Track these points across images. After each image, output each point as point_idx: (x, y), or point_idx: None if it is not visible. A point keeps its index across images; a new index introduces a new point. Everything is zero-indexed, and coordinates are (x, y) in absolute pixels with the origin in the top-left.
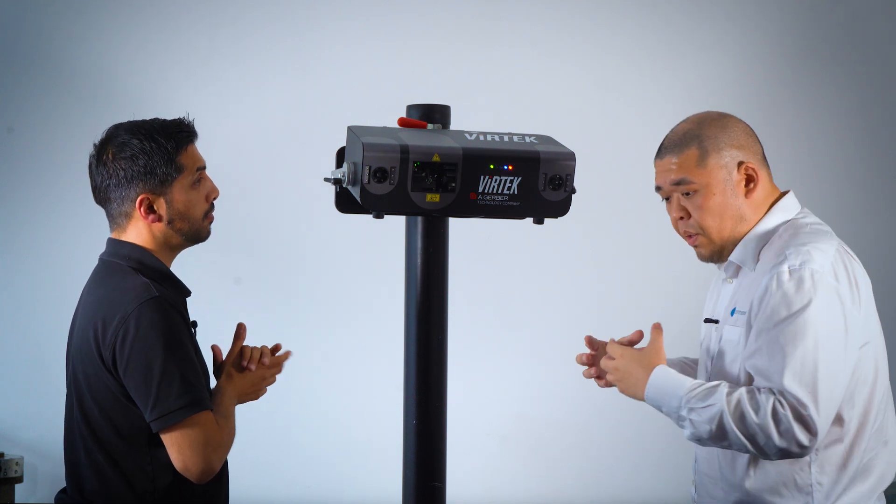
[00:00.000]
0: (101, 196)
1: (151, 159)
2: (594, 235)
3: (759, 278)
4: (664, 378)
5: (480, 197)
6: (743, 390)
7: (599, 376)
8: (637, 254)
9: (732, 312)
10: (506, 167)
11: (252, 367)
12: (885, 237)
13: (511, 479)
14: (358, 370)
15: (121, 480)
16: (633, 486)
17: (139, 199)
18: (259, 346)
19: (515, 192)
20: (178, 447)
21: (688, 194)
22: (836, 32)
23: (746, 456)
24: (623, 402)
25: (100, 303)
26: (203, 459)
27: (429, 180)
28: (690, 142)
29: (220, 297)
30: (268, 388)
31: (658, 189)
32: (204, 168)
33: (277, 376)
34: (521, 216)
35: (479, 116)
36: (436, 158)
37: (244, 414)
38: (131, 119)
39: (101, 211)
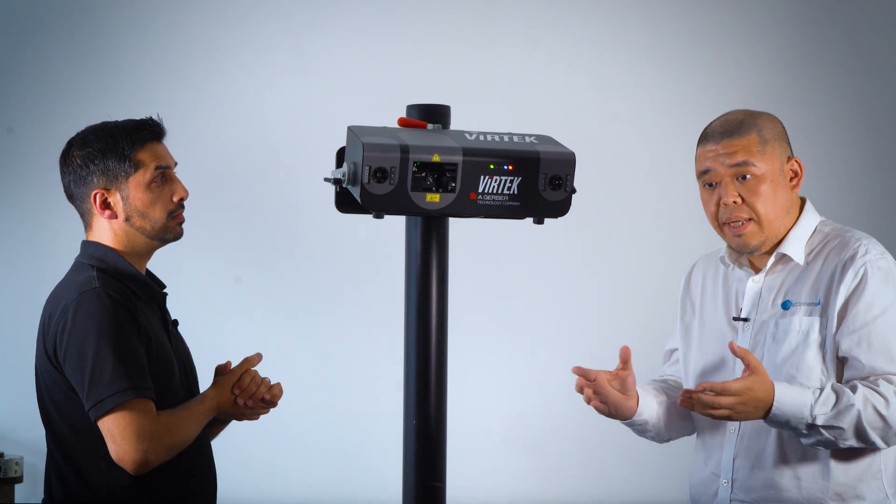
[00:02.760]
0: (68, 194)
1: (105, 155)
2: (594, 235)
3: (814, 270)
4: (786, 394)
5: (480, 197)
6: (860, 386)
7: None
8: (637, 254)
9: (786, 305)
10: (506, 167)
11: (240, 401)
12: (886, 238)
13: (511, 479)
14: (358, 370)
15: (76, 477)
16: (633, 486)
17: (93, 193)
18: (264, 379)
19: (515, 192)
20: (111, 435)
21: (744, 178)
22: (836, 33)
23: (828, 453)
24: None
25: (51, 298)
26: (135, 449)
27: (429, 180)
28: (750, 129)
29: (220, 297)
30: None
31: (705, 173)
32: (168, 167)
33: (278, 375)
34: (521, 216)
35: (479, 116)
36: (436, 158)
37: None
38: (107, 119)
39: None
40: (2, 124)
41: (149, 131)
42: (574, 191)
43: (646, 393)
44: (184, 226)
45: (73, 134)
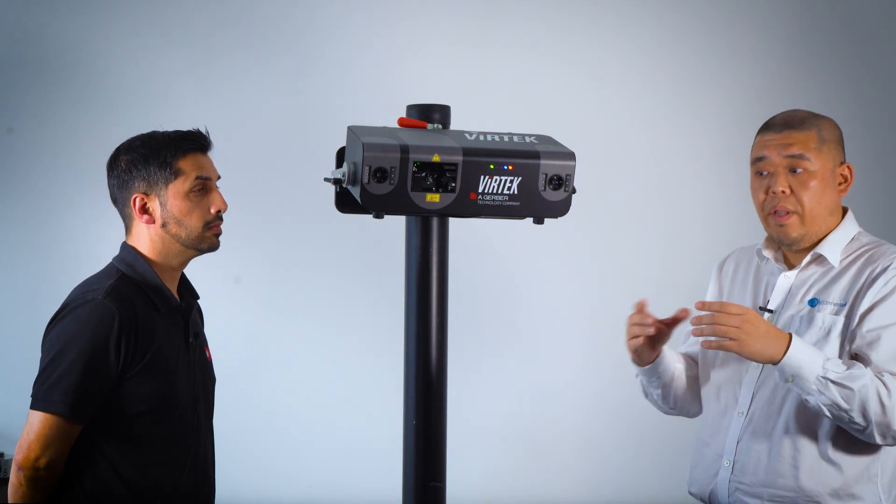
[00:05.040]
0: (112, 198)
1: (147, 161)
2: (594, 235)
3: (847, 275)
4: (802, 343)
5: (480, 197)
6: (869, 371)
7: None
8: (637, 253)
9: (813, 303)
10: (506, 167)
11: None
12: (886, 238)
13: (511, 479)
14: (358, 370)
15: (64, 478)
16: (633, 485)
17: (133, 197)
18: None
19: (515, 192)
20: (29, 426)
21: (797, 171)
22: (835, 33)
23: (830, 449)
24: (623, 403)
25: (72, 291)
26: (23, 451)
27: (429, 180)
28: (811, 126)
29: (221, 297)
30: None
31: (759, 160)
32: (209, 179)
33: (278, 375)
34: (521, 216)
35: (479, 116)
36: (436, 158)
37: (244, 413)
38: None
39: (101, 211)
40: (2, 124)
41: (193, 142)
42: (574, 191)
43: (672, 354)
44: None
45: (72, 134)
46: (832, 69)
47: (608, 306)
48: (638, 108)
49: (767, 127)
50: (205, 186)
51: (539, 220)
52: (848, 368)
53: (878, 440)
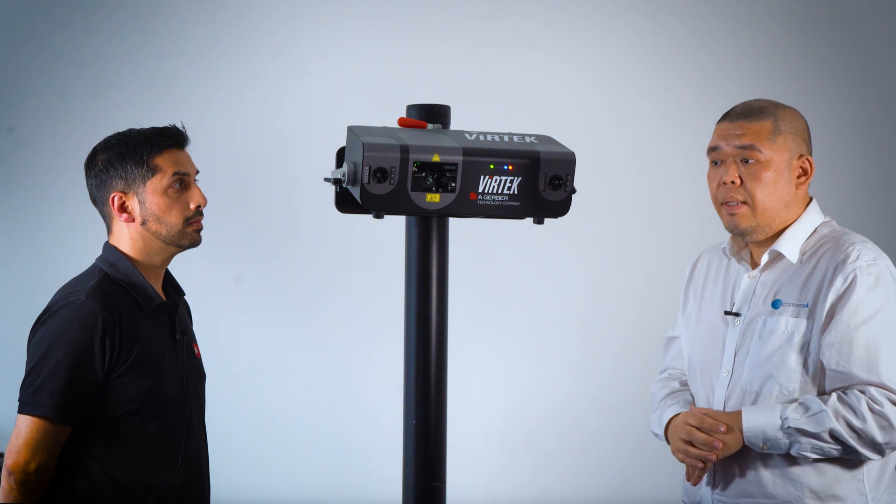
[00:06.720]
0: (92, 197)
1: (124, 159)
2: (594, 235)
3: (806, 271)
4: (751, 412)
5: (480, 197)
6: (833, 399)
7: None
8: (636, 253)
9: (776, 304)
10: (506, 167)
11: None
12: (886, 237)
13: (511, 479)
14: (358, 370)
15: (56, 479)
16: (632, 485)
17: (112, 196)
18: None
19: (515, 192)
20: (17, 431)
21: (748, 161)
22: (835, 33)
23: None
24: (622, 403)
25: (56, 292)
26: (12, 455)
27: (429, 180)
28: (767, 116)
29: (220, 297)
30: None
31: (714, 150)
32: (187, 174)
33: (277, 375)
34: (521, 216)
35: (479, 116)
36: (436, 158)
37: (244, 413)
38: (132, 124)
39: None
40: (2, 124)
41: (169, 138)
42: (574, 191)
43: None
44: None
45: (72, 134)
46: (832, 69)
47: (608, 306)
48: (638, 108)
49: (725, 116)
50: (183, 182)
51: (539, 220)
52: (807, 410)
53: (875, 457)
